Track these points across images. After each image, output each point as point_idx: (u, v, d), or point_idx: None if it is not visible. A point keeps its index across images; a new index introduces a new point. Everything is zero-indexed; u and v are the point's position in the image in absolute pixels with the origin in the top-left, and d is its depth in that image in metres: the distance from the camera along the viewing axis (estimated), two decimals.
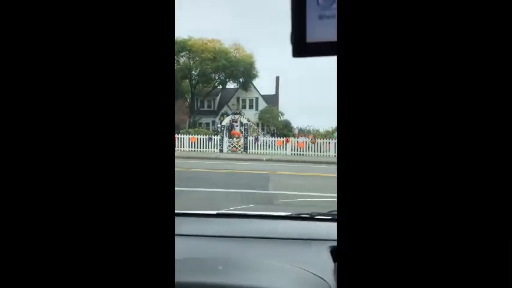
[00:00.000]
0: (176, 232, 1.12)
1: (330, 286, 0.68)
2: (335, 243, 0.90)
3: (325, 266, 0.77)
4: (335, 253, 0.86)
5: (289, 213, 1.17)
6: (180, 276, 0.61)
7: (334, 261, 0.80)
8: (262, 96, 19.77)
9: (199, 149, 12.30)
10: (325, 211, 1.18)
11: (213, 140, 12.49)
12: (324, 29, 0.30)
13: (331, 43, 0.30)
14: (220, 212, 1.22)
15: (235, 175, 6.81)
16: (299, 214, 1.15)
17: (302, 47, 0.31)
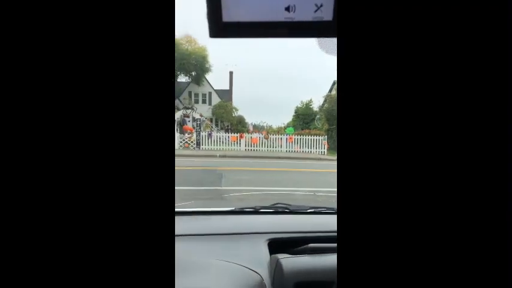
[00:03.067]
0: None
1: (262, 279, 0.69)
2: (274, 236, 0.91)
3: (261, 259, 0.79)
4: (273, 245, 0.89)
5: (233, 208, 1.16)
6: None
7: (271, 253, 0.83)
8: (216, 91, 19.50)
9: None
10: (272, 204, 1.19)
11: None
12: (239, 10, 0.30)
13: (249, 24, 0.30)
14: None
15: (187, 172, 6.59)
16: (243, 208, 1.15)
17: (219, 27, 0.31)
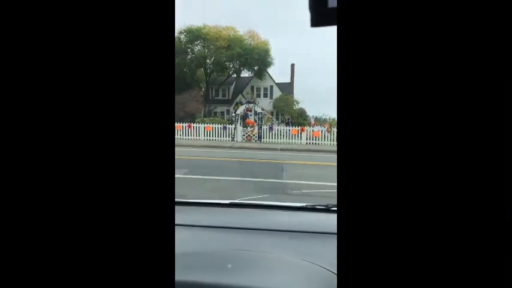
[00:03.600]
0: (185, 222, 1.09)
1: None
2: None
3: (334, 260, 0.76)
4: None
5: (304, 204, 1.15)
6: (183, 274, 0.60)
7: None
8: (277, 84, 19.52)
9: (214, 138, 12.40)
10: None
11: (227, 129, 12.54)
12: None
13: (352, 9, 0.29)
14: (233, 201, 1.21)
15: (249, 164, 6.83)
16: (314, 205, 1.13)
17: (322, 14, 0.29)
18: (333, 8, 0.29)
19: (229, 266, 0.67)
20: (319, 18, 0.29)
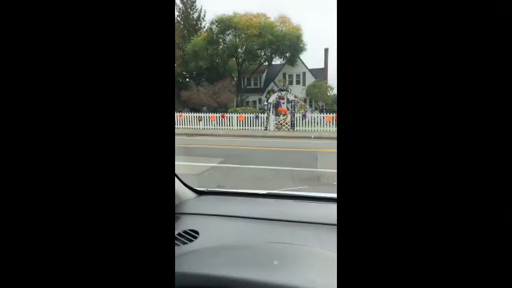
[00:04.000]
0: (221, 212, 1.10)
1: None
2: None
3: None
4: None
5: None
6: (220, 268, 0.58)
7: None
8: (310, 70, 18.97)
9: (247, 128, 12.51)
10: None
11: (260, 118, 12.56)
12: None
13: None
14: (270, 192, 1.19)
15: (283, 153, 6.80)
16: None
17: None
18: None
19: (276, 262, 0.64)
20: None
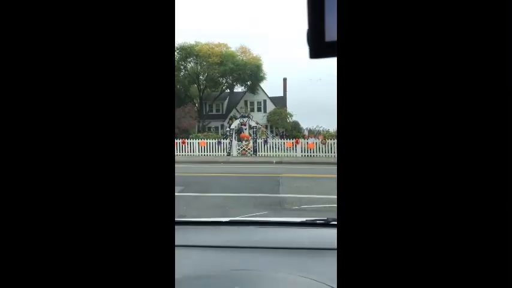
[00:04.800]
0: (183, 243, 1.05)
1: None
2: None
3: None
4: None
5: (304, 220, 1.13)
6: None
7: None
8: (270, 98, 19.76)
9: (209, 153, 12.34)
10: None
11: (222, 144, 12.51)
12: None
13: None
14: (232, 219, 1.18)
15: (245, 178, 6.77)
16: (314, 220, 1.11)
17: (320, 47, 0.30)
18: (332, 42, 0.30)
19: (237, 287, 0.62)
20: (318, 51, 0.31)
